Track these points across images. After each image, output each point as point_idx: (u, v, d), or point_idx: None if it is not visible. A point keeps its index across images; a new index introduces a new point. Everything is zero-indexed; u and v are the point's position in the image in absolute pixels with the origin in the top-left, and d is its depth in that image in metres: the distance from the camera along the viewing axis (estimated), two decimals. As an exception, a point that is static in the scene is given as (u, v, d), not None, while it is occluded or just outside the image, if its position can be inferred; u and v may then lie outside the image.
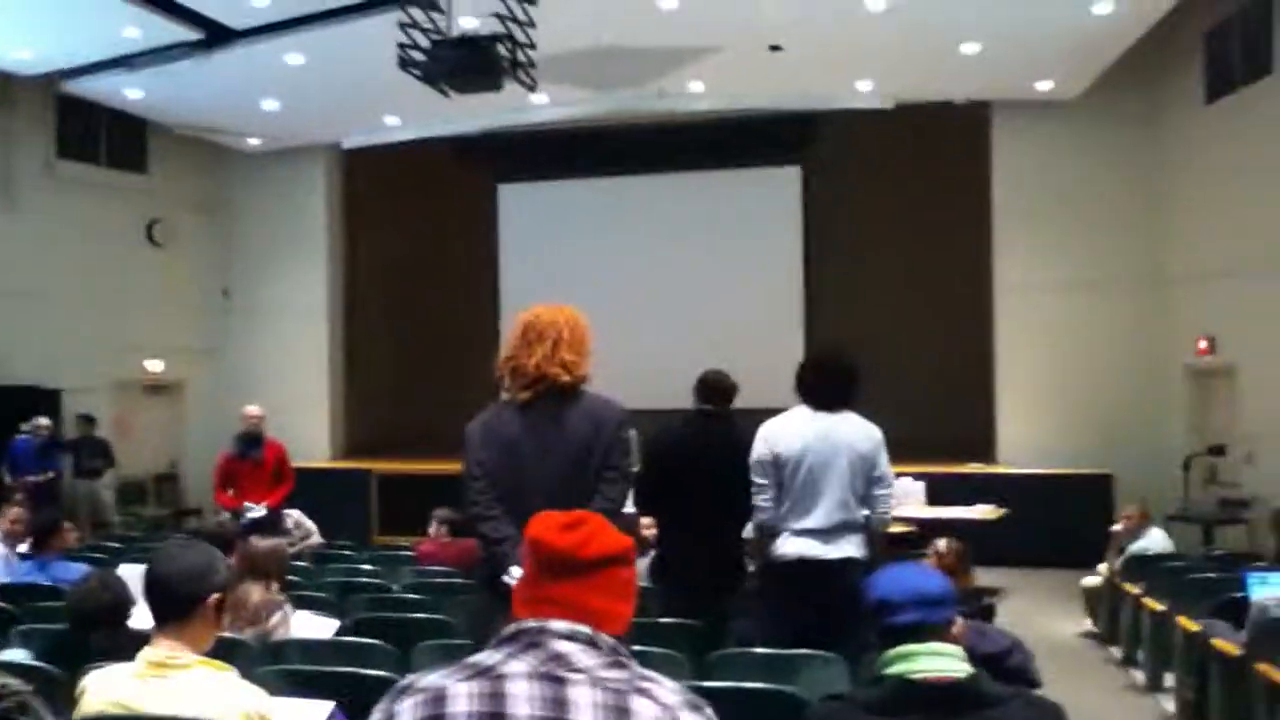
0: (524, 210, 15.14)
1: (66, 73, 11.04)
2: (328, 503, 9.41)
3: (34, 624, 4.11)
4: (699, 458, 4.76)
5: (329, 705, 2.89)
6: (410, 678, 1.59)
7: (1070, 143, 11.68)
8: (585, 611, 1.58)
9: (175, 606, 2.50)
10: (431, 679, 1.55)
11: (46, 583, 5.39)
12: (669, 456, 4.90)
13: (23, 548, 6.26)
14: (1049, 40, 9.75)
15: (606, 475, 3.31)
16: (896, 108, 11.50)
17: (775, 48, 9.93)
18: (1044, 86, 11.03)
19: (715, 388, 4.98)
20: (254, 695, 2.51)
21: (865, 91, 11.32)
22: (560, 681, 1.51)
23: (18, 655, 3.68)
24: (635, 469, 3.57)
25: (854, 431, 4.30)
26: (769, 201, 14.11)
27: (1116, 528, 8.01)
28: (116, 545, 7.96)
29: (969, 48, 9.87)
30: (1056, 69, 10.57)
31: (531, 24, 8.03)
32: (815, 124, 13.10)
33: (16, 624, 4.22)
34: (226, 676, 2.51)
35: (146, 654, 2.49)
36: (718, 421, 4.89)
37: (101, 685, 2.51)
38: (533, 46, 8.19)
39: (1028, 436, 11.65)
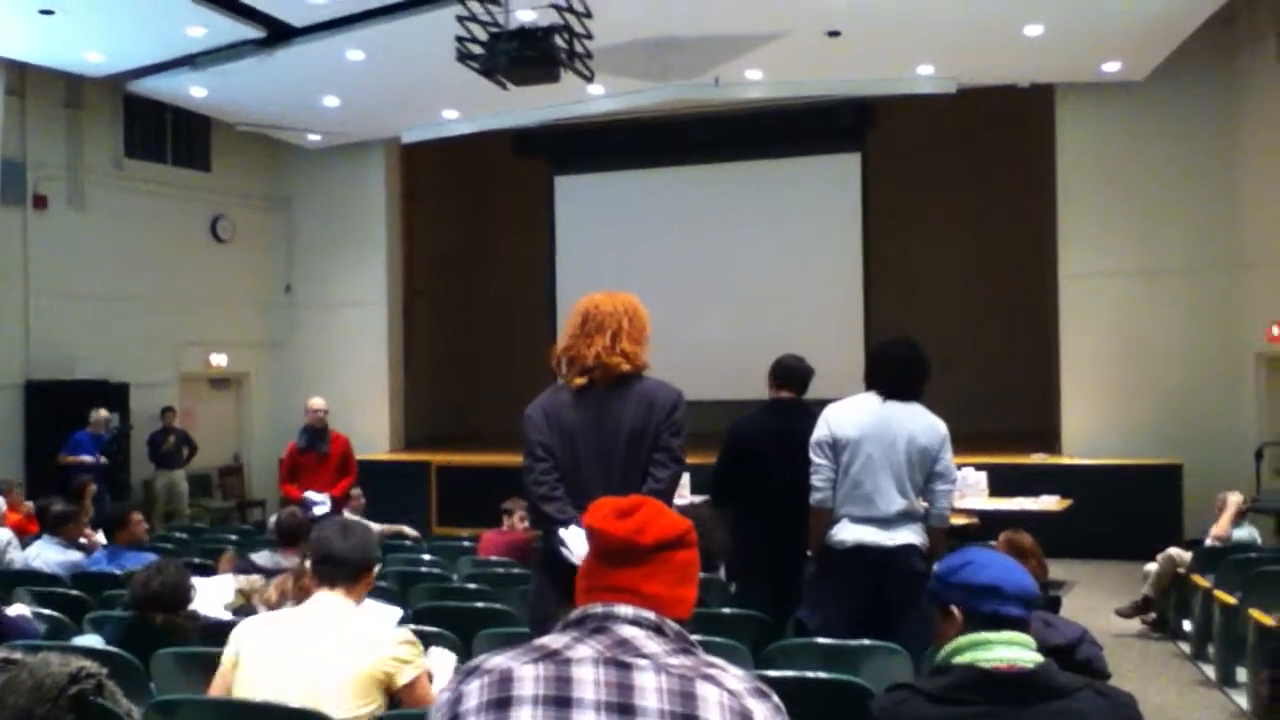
0: (580, 202, 15.12)
1: (133, 73, 11.25)
2: (388, 494, 9.51)
3: (104, 611, 4.20)
4: (779, 447, 4.63)
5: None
6: (478, 659, 1.59)
7: (1138, 125, 11.35)
8: (647, 598, 1.58)
9: (346, 572, 2.99)
10: (499, 660, 1.55)
11: (116, 572, 5.51)
12: (749, 446, 4.78)
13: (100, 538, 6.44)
14: (1116, 20, 9.49)
15: (656, 458, 3.28)
16: (958, 92, 11.30)
17: (834, 33, 9.81)
18: (1111, 68, 10.74)
19: (792, 372, 4.91)
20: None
21: (926, 76, 11.14)
22: (626, 667, 1.50)
23: (91, 640, 3.78)
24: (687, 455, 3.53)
25: (916, 423, 4.21)
26: (828, 189, 13.90)
27: (1236, 498, 7.48)
28: (183, 536, 8.12)
29: (1032, 29, 9.66)
30: (1124, 49, 10.29)
31: (588, 14, 8.01)
32: (875, 110, 12.93)
33: (88, 611, 4.33)
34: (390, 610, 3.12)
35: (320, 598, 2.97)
36: (796, 409, 4.80)
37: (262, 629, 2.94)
38: (590, 37, 8.18)
39: (1093, 426, 11.38)
